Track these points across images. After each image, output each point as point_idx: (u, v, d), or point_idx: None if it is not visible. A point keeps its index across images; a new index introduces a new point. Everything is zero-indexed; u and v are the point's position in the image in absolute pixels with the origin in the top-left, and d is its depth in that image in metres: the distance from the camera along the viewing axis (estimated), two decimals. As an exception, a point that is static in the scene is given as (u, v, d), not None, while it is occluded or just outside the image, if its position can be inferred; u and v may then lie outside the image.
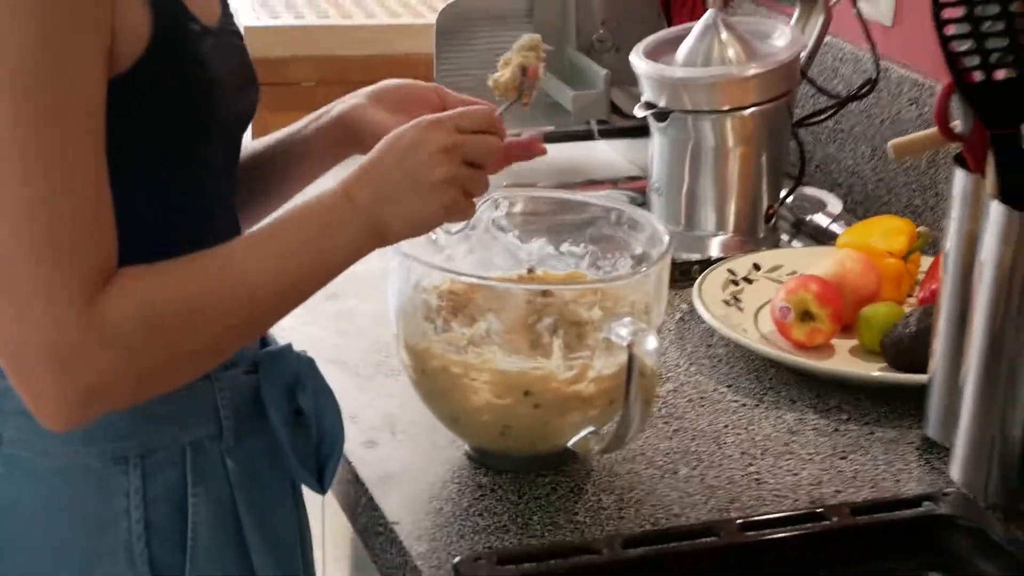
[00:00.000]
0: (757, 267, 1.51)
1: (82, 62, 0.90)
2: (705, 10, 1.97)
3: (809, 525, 1.03)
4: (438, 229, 1.17)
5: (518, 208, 1.25)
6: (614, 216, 1.22)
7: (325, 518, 1.40)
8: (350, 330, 1.39)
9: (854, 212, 1.73)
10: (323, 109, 1.21)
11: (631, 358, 1.02)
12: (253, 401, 1.09)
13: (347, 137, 1.16)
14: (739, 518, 1.04)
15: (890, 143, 1.24)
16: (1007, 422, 1.09)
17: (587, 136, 1.84)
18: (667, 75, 1.57)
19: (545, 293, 1.07)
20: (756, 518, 1.05)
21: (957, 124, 1.08)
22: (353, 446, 1.19)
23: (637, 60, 1.61)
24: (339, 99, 1.21)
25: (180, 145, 1.00)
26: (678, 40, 1.63)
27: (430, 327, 1.09)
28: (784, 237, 1.68)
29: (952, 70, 0.98)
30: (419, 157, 1.01)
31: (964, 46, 0.97)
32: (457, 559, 0.98)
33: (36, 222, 0.88)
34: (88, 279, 0.90)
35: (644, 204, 1.68)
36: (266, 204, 1.19)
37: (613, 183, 1.79)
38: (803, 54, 1.65)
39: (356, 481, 1.15)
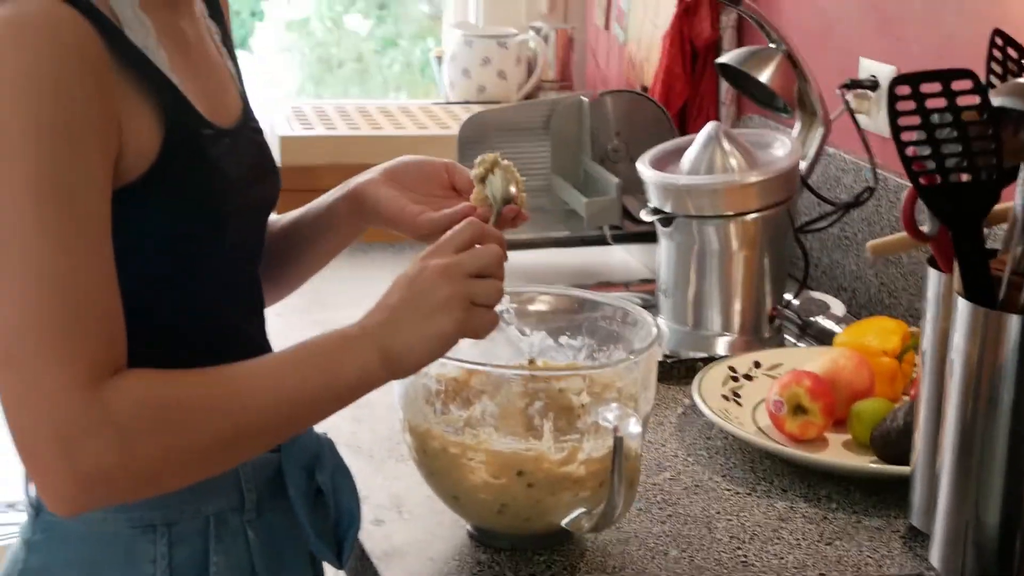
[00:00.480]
0: (757, 364, 1.57)
1: (87, 176, 0.96)
2: (718, 119, 2.08)
3: (786, 602, 1.08)
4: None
5: (521, 304, 1.33)
6: (610, 312, 1.29)
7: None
8: (365, 417, 1.46)
9: (857, 315, 1.79)
10: (343, 184, 1.28)
11: (616, 441, 1.09)
12: (275, 478, 1.16)
13: (359, 209, 1.23)
14: (719, 594, 1.09)
15: (868, 244, 1.31)
16: (980, 509, 1.13)
17: (601, 241, 1.92)
18: (671, 182, 1.66)
19: (535, 378, 1.14)
20: (735, 595, 1.10)
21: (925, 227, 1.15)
22: (363, 523, 1.25)
23: (643, 168, 1.70)
24: (358, 175, 1.30)
25: (196, 241, 1.07)
26: (682, 150, 1.71)
27: (430, 410, 1.16)
28: (789, 338, 1.74)
29: (909, 174, 1.05)
30: (421, 284, 1.04)
31: (922, 152, 1.05)
32: (447, 625, 1.04)
33: (48, 309, 0.93)
34: (94, 367, 0.94)
35: (654, 306, 1.75)
36: (291, 274, 1.27)
37: (626, 285, 1.87)
38: (804, 163, 1.73)
39: (363, 556, 1.22)
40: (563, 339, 1.31)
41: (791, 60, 1.70)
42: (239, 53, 1.25)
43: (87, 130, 0.96)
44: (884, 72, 1.80)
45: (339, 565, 1.19)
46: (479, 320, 1.04)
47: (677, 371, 1.61)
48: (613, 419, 1.10)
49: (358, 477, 1.32)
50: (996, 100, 1.07)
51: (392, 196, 1.21)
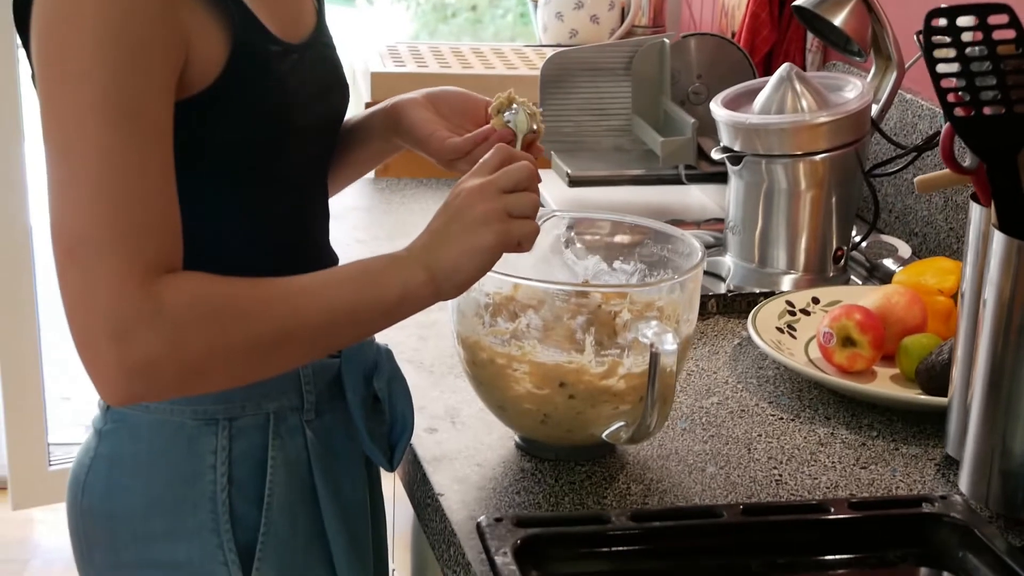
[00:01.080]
0: (816, 300, 1.61)
1: (150, 88, 1.01)
2: (804, 66, 2.10)
3: (808, 514, 1.13)
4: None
5: (579, 231, 1.38)
6: (663, 238, 1.34)
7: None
8: (430, 335, 1.53)
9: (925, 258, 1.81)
10: (387, 100, 1.33)
11: (652, 356, 1.14)
12: (334, 381, 1.23)
13: (393, 126, 1.27)
14: (744, 502, 1.14)
15: (916, 179, 1.34)
16: (1008, 437, 1.16)
17: (676, 180, 1.96)
18: (740, 121, 1.69)
19: (578, 294, 1.20)
20: (759, 503, 1.16)
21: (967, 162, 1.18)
22: (417, 431, 1.32)
23: (716, 108, 1.74)
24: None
25: (263, 152, 1.12)
26: (756, 91, 1.75)
27: (479, 322, 1.22)
28: (856, 279, 1.77)
29: (944, 107, 1.08)
30: (459, 204, 1.08)
31: (957, 85, 1.08)
32: (481, 518, 1.10)
33: (109, 212, 0.99)
34: (151, 264, 1.00)
35: (723, 243, 1.80)
36: (331, 182, 1.30)
37: (697, 224, 1.91)
38: (876, 107, 1.75)
39: (415, 460, 1.29)
40: (616, 263, 1.37)
41: (867, 4, 1.72)
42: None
43: (154, 44, 1.01)
44: (963, 20, 1.80)
45: (390, 468, 1.26)
46: (519, 230, 1.08)
47: (738, 304, 1.65)
48: (651, 335, 1.15)
49: (417, 390, 1.40)
50: (1031, 34, 1.09)
51: (427, 119, 1.25)
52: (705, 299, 1.65)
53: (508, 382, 1.22)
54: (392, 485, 1.52)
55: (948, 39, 1.06)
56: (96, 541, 1.18)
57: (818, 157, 1.69)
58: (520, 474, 1.26)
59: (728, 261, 1.77)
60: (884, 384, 1.45)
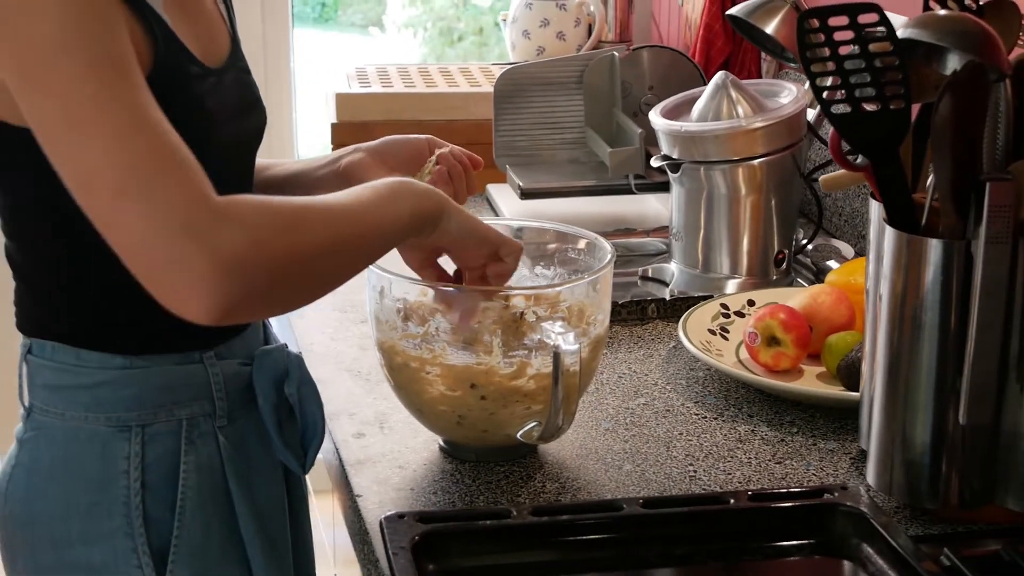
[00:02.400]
0: (751, 303, 1.63)
1: (124, 44, 1.03)
2: (760, 75, 2.14)
3: (707, 505, 1.16)
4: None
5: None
6: (579, 243, 1.38)
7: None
8: (369, 345, 1.57)
9: (871, 261, 1.84)
10: (334, 154, 1.39)
11: (555, 355, 1.18)
12: (246, 388, 1.27)
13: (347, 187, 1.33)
14: (643, 496, 1.17)
15: (820, 178, 1.37)
16: (908, 427, 1.18)
17: (627, 190, 2.00)
18: (677, 129, 1.73)
19: (484, 295, 1.24)
20: (658, 496, 1.19)
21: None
22: (344, 436, 1.36)
23: (655, 117, 1.77)
24: (346, 148, 1.40)
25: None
26: (696, 100, 1.78)
27: (393, 327, 1.26)
28: (801, 282, 1.80)
29: (822, 104, 1.11)
30: None
31: (835, 84, 1.11)
32: (383, 515, 1.14)
33: (146, 138, 0.99)
34: (206, 183, 1.00)
35: (668, 250, 1.83)
36: None
37: (646, 232, 1.94)
38: (813, 112, 1.78)
39: (339, 462, 1.33)
40: (538, 268, 1.40)
41: (798, 10, 1.75)
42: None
43: (114, 13, 1.03)
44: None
45: (302, 472, 1.30)
46: None
47: (678, 309, 1.68)
48: (554, 336, 1.18)
49: (350, 396, 1.44)
50: (904, 32, 1.12)
51: (381, 176, 1.28)
52: (645, 304, 1.68)
53: (423, 385, 1.25)
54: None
55: (822, 38, 1.09)
56: (18, 548, 1.22)
57: (755, 162, 1.72)
58: (440, 475, 1.29)
59: (672, 267, 1.81)
60: (810, 382, 1.47)
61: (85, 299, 1.08)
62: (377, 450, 1.34)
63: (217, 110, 1.20)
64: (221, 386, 1.24)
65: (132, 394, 1.20)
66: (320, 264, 1.07)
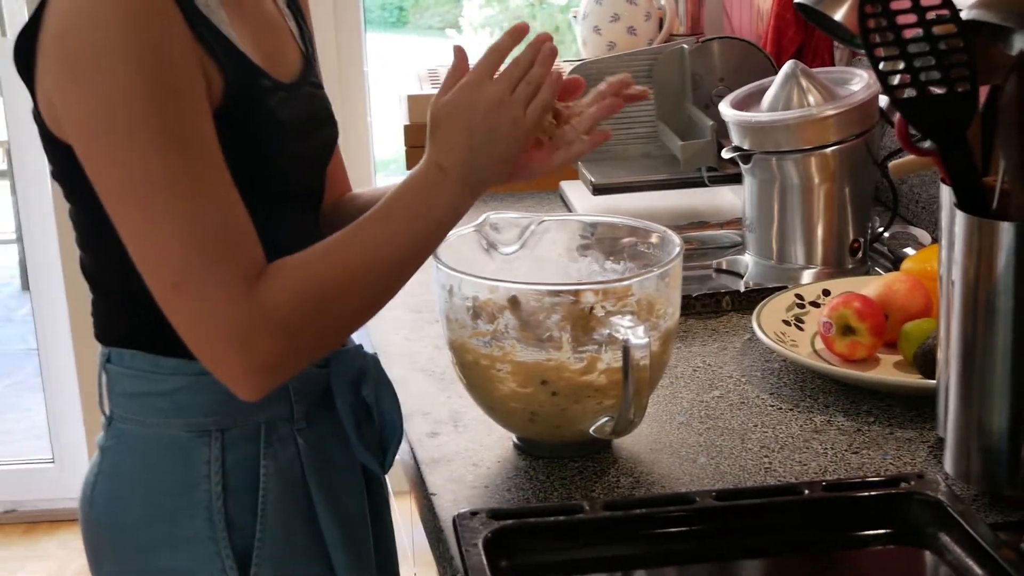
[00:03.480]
0: (827, 292, 1.62)
1: (196, 115, 1.09)
2: (832, 63, 2.12)
3: (780, 496, 1.15)
4: (495, 248, 1.36)
5: (570, 232, 1.42)
6: (651, 237, 1.37)
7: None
8: (443, 345, 1.58)
9: (950, 247, 1.81)
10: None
11: (625, 349, 1.18)
12: (324, 391, 1.29)
13: None
14: (717, 489, 1.17)
15: (890, 163, 1.35)
16: (984, 415, 1.17)
17: (700, 183, 1.99)
18: (747, 120, 1.72)
19: (550, 292, 1.24)
20: (732, 488, 1.18)
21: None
22: (419, 435, 1.37)
23: (724, 108, 1.76)
24: None
25: (259, 179, 1.19)
26: (765, 91, 1.77)
27: (463, 326, 1.27)
28: (878, 270, 1.78)
29: (887, 91, 1.10)
30: (487, 118, 1.16)
31: (899, 68, 1.10)
32: (456, 513, 1.14)
33: (199, 231, 1.08)
34: (247, 276, 1.10)
35: (743, 242, 1.82)
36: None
37: (720, 225, 1.93)
38: (885, 98, 1.76)
39: (414, 462, 1.34)
40: (608, 264, 1.40)
41: (868, -4, 1.73)
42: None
43: (183, 72, 1.09)
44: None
45: (382, 472, 1.31)
46: (532, 130, 1.19)
47: (752, 301, 1.67)
48: (623, 330, 1.18)
49: (425, 396, 1.45)
50: (969, 14, 1.10)
51: None
52: (719, 296, 1.68)
53: (494, 383, 1.26)
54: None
55: (884, 23, 1.08)
56: (105, 553, 1.25)
57: (828, 150, 1.70)
58: (514, 472, 1.30)
59: (747, 259, 1.79)
60: (887, 371, 1.46)
61: (159, 307, 1.11)
62: (451, 449, 1.35)
63: (290, 122, 1.22)
64: (299, 389, 1.26)
65: (210, 399, 1.22)
66: (364, 315, 1.19)
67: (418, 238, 1.17)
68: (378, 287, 1.16)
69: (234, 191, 1.12)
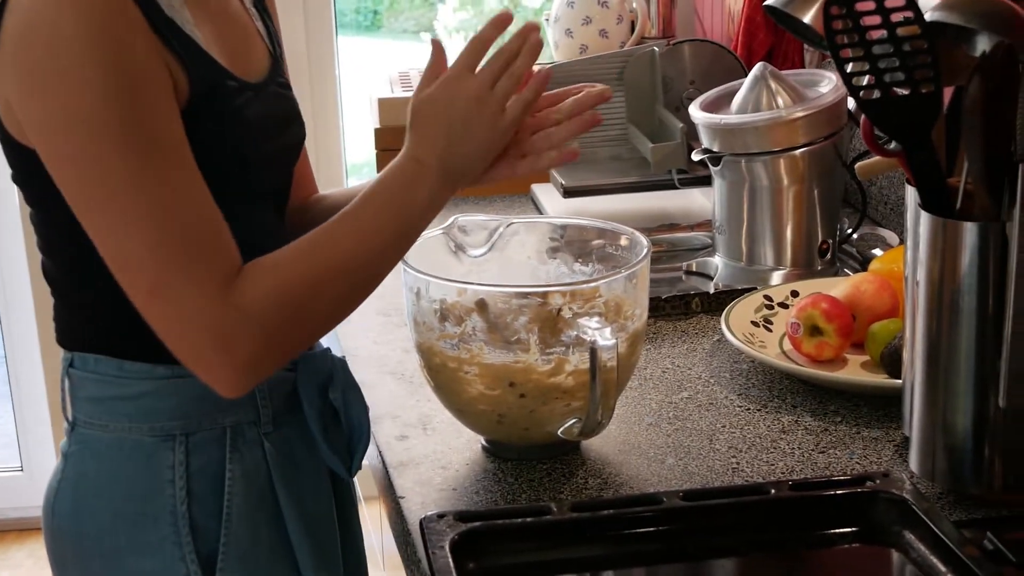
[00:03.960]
0: (795, 294, 1.62)
1: (162, 115, 1.09)
2: (803, 65, 2.12)
3: (747, 496, 1.16)
4: (463, 251, 1.36)
5: (539, 234, 1.42)
6: (620, 239, 1.38)
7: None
8: (412, 349, 1.58)
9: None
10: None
11: (592, 351, 1.18)
12: (291, 394, 1.28)
13: None
14: (684, 489, 1.17)
15: (856, 165, 1.36)
16: (949, 413, 1.17)
17: (671, 185, 1.99)
18: (716, 122, 1.72)
19: (517, 295, 1.24)
20: (700, 488, 1.18)
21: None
22: (387, 438, 1.37)
23: (694, 111, 1.77)
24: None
25: (226, 178, 1.18)
26: (734, 93, 1.77)
27: (431, 329, 1.27)
28: (848, 271, 1.78)
29: (851, 91, 1.10)
30: (466, 114, 1.17)
31: (864, 69, 1.10)
32: (423, 516, 1.14)
33: (170, 232, 1.08)
34: (222, 277, 1.10)
35: (713, 244, 1.82)
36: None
37: (690, 227, 1.94)
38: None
39: (383, 466, 1.34)
40: (576, 266, 1.40)
41: (835, -1, 1.74)
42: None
43: (148, 74, 1.09)
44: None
45: (348, 476, 1.31)
46: (512, 125, 1.19)
47: (722, 303, 1.67)
48: (591, 331, 1.19)
49: (394, 399, 1.45)
50: (933, 16, 1.11)
51: None
52: (689, 298, 1.68)
53: (462, 385, 1.26)
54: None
55: (849, 24, 1.09)
56: (69, 560, 1.24)
57: (797, 152, 1.71)
58: (482, 474, 1.30)
59: (717, 261, 1.80)
60: (854, 371, 1.46)
61: (124, 311, 1.11)
62: (420, 452, 1.35)
63: (257, 122, 1.22)
64: (265, 393, 1.26)
65: (175, 403, 1.21)
66: (340, 311, 1.18)
67: (396, 232, 1.17)
68: (356, 283, 1.17)
69: (205, 190, 1.11)
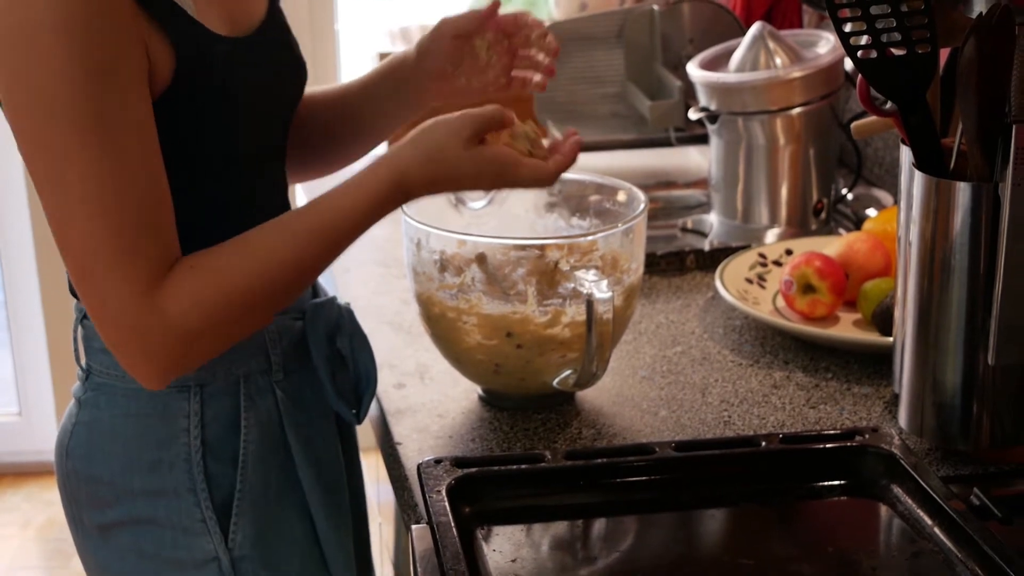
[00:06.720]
0: (789, 252, 1.64)
1: (123, 97, 1.07)
2: (801, 25, 2.13)
3: (738, 448, 1.18)
4: (463, 204, 1.38)
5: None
6: (618, 195, 1.39)
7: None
8: (411, 300, 1.60)
9: (912, 210, 1.84)
10: (384, 63, 1.42)
11: (588, 303, 1.20)
12: (300, 343, 1.30)
13: (397, 87, 1.39)
14: (676, 440, 1.19)
15: (852, 124, 1.37)
16: (939, 371, 1.19)
17: (668, 143, 2.01)
18: (714, 80, 1.73)
19: (517, 247, 1.26)
20: (691, 440, 1.20)
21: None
22: (386, 387, 1.39)
23: (692, 69, 1.78)
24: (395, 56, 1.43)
25: (223, 142, 1.18)
26: (733, 52, 1.79)
27: (430, 279, 1.29)
28: (842, 231, 1.80)
29: (848, 50, 1.12)
30: (460, 168, 1.15)
31: (861, 29, 1.11)
32: (420, 462, 1.17)
33: (111, 218, 1.07)
34: (151, 274, 1.08)
35: (708, 202, 1.84)
36: (343, 145, 1.41)
37: (686, 185, 1.95)
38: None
39: (381, 413, 1.36)
40: (574, 220, 1.42)
41: (836, -41, 1.75)
42: None
43: (119, 58, 1.07)
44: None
45: (357, 421, 1.33)
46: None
47: (717, 259, 1.69)
48: (587, 284, 1.20)
49: (393, 349, 1.47)
50: (930, -23, 1.12)
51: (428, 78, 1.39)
52: (684, 255, 1.70)
53: (460, 334, 1.28)
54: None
55: (847, -15, 1.10)
56: (83, 503, 1.26)
57: (793, 112, 1.72)
58: (478, 423, 1.32)
59: (712, 218, 1.82)
60: (846, 329, 1.48)
61: None
62: (417, 400, 1.37)
63: (250, 78, 1.20)
64: (276, 341, 1.27)
65: None
66: (266, 314, 1.16)
67: (337, 243, 1.15)
68: (289, 290, 1.16)
69: (161, 179, 1.10)
